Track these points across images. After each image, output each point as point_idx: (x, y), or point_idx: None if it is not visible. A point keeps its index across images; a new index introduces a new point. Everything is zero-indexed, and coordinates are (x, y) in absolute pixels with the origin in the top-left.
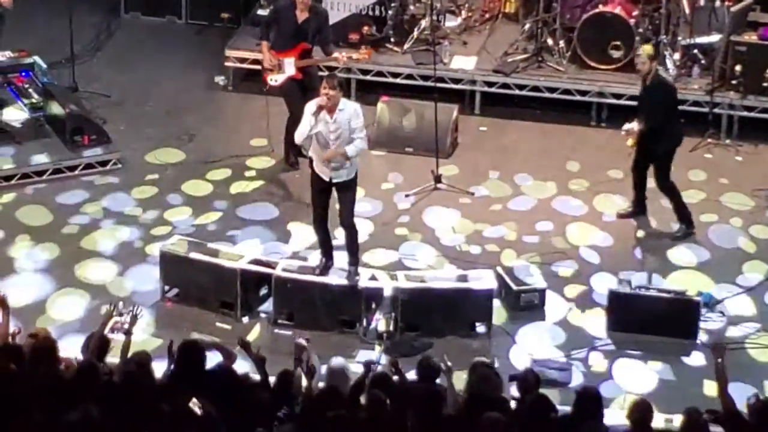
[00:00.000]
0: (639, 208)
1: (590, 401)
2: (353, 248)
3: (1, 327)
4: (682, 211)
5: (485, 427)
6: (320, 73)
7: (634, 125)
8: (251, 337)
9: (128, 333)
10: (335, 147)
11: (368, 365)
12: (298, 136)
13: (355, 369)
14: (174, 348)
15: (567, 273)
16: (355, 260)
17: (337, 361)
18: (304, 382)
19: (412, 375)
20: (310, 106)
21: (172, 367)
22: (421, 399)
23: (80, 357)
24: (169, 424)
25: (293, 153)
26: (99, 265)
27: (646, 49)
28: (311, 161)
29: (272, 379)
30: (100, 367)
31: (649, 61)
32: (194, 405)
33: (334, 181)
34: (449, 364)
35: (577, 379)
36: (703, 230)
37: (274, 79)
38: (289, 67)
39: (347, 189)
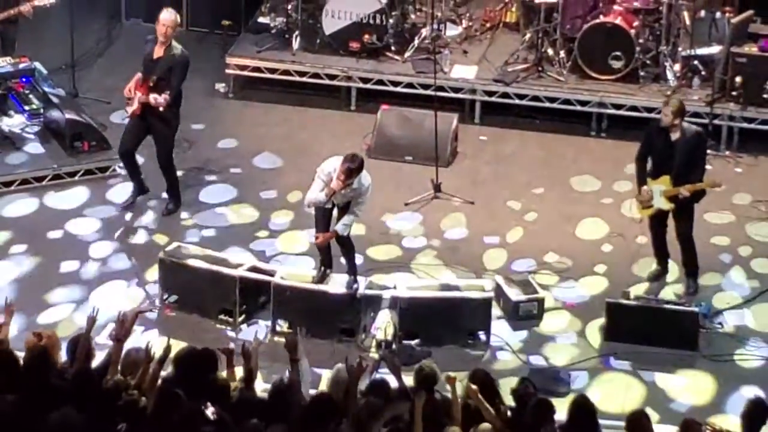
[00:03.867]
0: (665, 268)
1: (585, 411)
2: (351, 260)
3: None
4: (694, 266)
5: None
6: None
7: (659, 188)
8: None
9: (120, 340)
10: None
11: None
12: (310, 201)
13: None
14: (152, 349)
15: (566, 282)
16: (353, 270)
17: (341, 368)
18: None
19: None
20: (324, 171)
21: (173, 372)
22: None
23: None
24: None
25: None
26: (88, 271)
27: (674, 103)
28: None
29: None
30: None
31: (672, 115)
32: (208, 410)
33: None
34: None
35: (574, 390)
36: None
37: (126, 110)
38: (136, 101)
39: (347, 209)
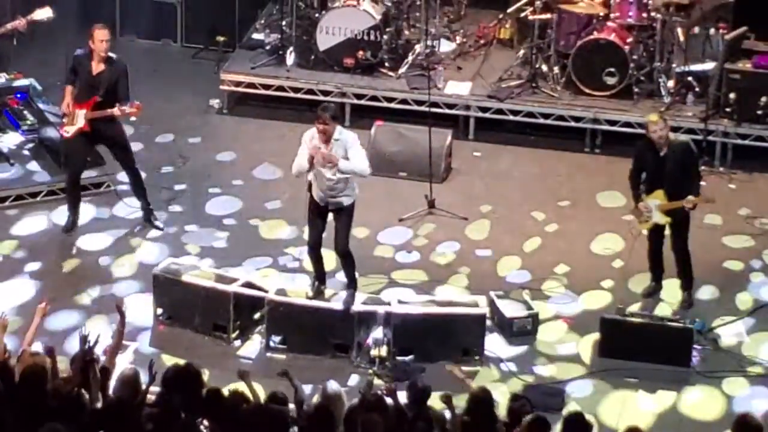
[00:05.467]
0: (660, 284)
1: (580, 428)
2: (351, 274)
3: None
4: (689, 279)
5: None
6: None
7: (654, 202)
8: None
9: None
10: (331, 171)
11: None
12: (295, 168)
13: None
14: (154, 368)
15: (560, 299)
16: (353, 285)
17: (332, 385)
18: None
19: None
20: (307, 136)
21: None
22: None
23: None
24: None
25: (73, 214)
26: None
27: (654, 117)
28: (309, 185)
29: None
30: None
31: (667, 131)
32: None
33: (330, 207)
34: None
35: (569, 405)
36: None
37: (67, 131)
38: (80, 119)
39: (343, 215)
